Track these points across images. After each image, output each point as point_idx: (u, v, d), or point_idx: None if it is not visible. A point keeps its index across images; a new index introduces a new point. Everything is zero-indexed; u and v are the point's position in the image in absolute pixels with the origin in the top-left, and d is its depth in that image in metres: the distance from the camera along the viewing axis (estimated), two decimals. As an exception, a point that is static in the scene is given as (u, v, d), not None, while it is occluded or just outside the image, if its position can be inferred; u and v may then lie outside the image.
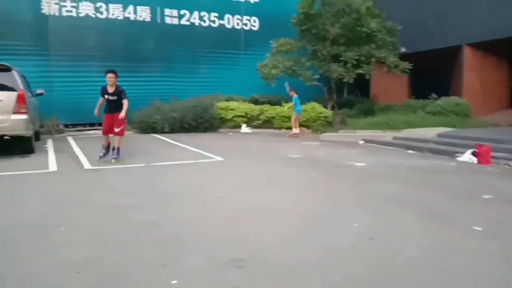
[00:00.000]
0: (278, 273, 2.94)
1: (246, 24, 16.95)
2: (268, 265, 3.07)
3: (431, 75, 15.97)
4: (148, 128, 13.05)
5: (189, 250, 3.35)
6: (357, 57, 13.81)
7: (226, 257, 3.16)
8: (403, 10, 15.39)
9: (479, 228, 3.98)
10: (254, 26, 17.07)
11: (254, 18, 16.99)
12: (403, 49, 14.63)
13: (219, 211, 4.52)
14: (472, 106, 13.09)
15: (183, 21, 15.82)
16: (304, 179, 6.41)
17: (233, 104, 14.03)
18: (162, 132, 12.91)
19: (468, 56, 13.94)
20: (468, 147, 8.48)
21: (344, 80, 14.22)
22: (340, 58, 14.12)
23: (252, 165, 7.69)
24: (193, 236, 3.69)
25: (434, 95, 13.94)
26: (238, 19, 16.77)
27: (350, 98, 17.17)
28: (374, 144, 10.85)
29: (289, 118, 13.53)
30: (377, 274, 2.95)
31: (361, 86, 17.70)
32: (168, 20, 15.56)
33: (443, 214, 4.50)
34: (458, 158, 8.24)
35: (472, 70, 13.96)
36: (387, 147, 10.40)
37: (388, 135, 11.27)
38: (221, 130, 13.73)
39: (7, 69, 8.41)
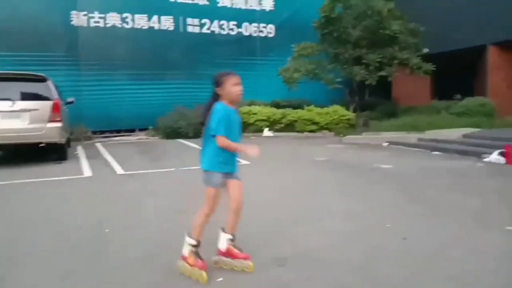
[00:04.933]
0: (322, 270, 3.07)
1: (262, 31, 17.38)
2: (317, 262, 3.20)
3: (455, 76, 15.80)
4: (172, 133, 13.35)
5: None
6: (379, 60, 13.82)
7: (275, 256, 3.32)
8: (426, 11, 15.29)
9: (515, 228, 4.01)
10: (270, 33, 17.51)
11: (270, 25, 17.48)
12: (426, 50, 14.54)
13: (260, 215, 4.65)
14: (498, 106, 12.90)
15: (204, 30, 16.24)
16: (335, 182, 6.51)
17: (255, 108, 14.21)
18: (186, 137, 13.19)
19: (492, 55, 13.77)
20: (495, 147, 8.40)
21: (367, 82, 14.23)
22: (363, 61, 14.14)
23: (281, 169, 7.81)
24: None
25: (458, 96, 13.81)
26: (255, 26, 17.21)
27: (373, 100, 17.12)
28: (399, 146, 10.83)
29: (311, 121, 13.64)
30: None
31: (383, 88, 17.65)
32: (190, 29, 15.99)
33: (482, 217, 4.52)
34: (485, 159, 8.17)
35: (498, 69, 13.77)
36: (412, 148, 10.37)
37: (412, 137, 11.22)
38: (244, 134, 13.88)
39: (42, 79, 8.80)
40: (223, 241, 3.06)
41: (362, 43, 14.36)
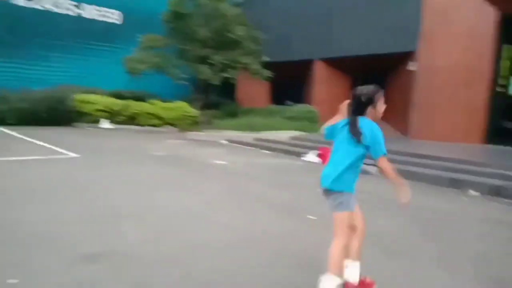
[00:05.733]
0: (138, 266, 3.04)
1: (107, 16, 16.38)
2: (129, 259, 3.14)
3: (289, 84, 17.60)
4: (-11, 118, 11.45)
5: (48, 249, 3.19)
6: (224, 61, 14.43)
7: (84, 253, 3.12)
8: (268, 22, 16.59)
9: (314, 217, 4.68)
10: (117, 20, 16.63)
11: (117, 12, 16.62)
12: (266, 58, 15.80)
13: (72, 212, 4.35)
14: (321, 114, 14.86)
15: (35, 5, 14.39)
16: (165, 177, 6.52)
17: (92, 97, 13.23)
18: (7, 124, 11.47)
19: (318, 69, 15.80)
20: (313, 148, 9.66)
21: (211, 82, 14.70)
22: (208, 60, 14.56)
23: (114, 163, 7.46)
24: (50, 236, 3.51)
25: (290, 102, 15.41)
26: (97, 9, 16.10)
27: (217, 100, 17.80)
28: (236, 144, 11.52)
29: (154, 115, 13.45)
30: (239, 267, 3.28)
31: (228, 89, 18.52)
32: (17, 1, 13.94)
33: (290, 207, 5.12)
34: (304, 158, 9.35)
35: (322, 81, 15.87)
36: (247, 147, 11.16)
37: (249, 136, 12.08)
38: (79, 124, 12.83)
39: None
40: (356, 271, 2.58)
41: (209, 43, 14.78)
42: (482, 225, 4.84)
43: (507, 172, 6.76)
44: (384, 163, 2.44)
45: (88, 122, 12.92)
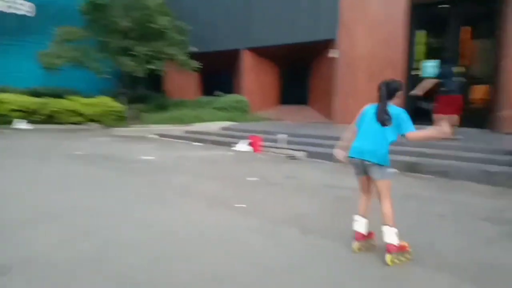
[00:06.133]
0: (53, 272, 2.87)
1: (18, 9, 15.11)
2: (44, 266, 2.95)
3: (218, 74, 17.54)
4: None
5: None
6: (148, 53, 13.97)
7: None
8: (194, 12, 16.33)
9: (242, 205, 4.74)
10: (29, 12, 15.38)
11: (28, 3, 15.35)
12: (193, 49, 15.54)
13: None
14: (251, 103, 15.02)
15: None
16: (88, 177, 6.22)
17: (5, 96, 12.17)
18: None
19: (246, 59, 15.89)
20: (244, 138, 9.76)
21: (136, 74, 14.18)
22: (132, 52, 14.00)
23: (24, 164, 6.94)
24: None
25: (219, 93, 15.36)
26: (7, 1, 14.79)
27: (144, 93, 17.25)
28: (167, 138, 11.28)
29: (76, 112, 12.70)
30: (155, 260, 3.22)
31: (156, 81, 18.01)
32: None
33: (218, 198, 5.14)
34: (235, 148, 9.41)
35: (250, 71, 16.00)
36: (178, 140, 10.97)
37: (179, 129, 11.88)
38: (-11, 126, 11.77)
39: None
40: (391, 235, 3.16)
41: (131, 34, 14.21)
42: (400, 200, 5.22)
43: (422, 149, 7.35)
44: (413, 135, 3.13)
45: (1, 123, 11.86)
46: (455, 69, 7.95)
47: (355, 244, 3.38)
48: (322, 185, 5.85)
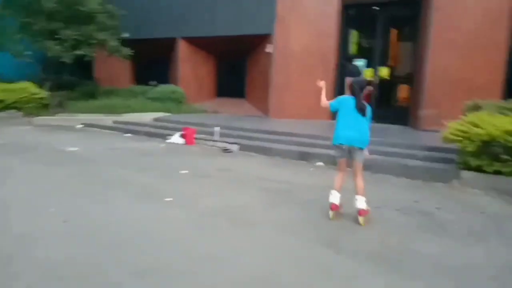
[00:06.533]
0: None
1: None
2: None
3: (153, 63, 16.95)
4: None
5: None
6: (76, 37, 13.09)
7: None
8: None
9: (171, 199, 4.65)
10: None
11: None
12: (125, 35, 14.81)
13: None
14: (187, 94, 14.72)
15: None
16: (5, 169, 5.73)
17: None
18: None
19: (182, 48, 15.52)
20: (178, 130, 9.56)
21: (62, 60, 13.25)
22: (58, 36, 13.04)
23: None
24: None
25: (153, 82, 14.87)
26: None
27: (72, 80, 16.19)
28: (94, 128, 10.71)
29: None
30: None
31: (86, 68, 16.99)
32: None
33: (147, 191, 4.99)
34: (168, 140, 9.19)
35: (186, 61, 15.64)
36: (107, 131, 10.47)
37: (109, 119, 11.32)
38: None
39: None
40: (363, 203, 4.03)
41: (58, 16, 13.22)
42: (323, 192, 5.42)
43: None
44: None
45: None
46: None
47: (331, 213, 4.13)
48: (253, 178, 5.91)
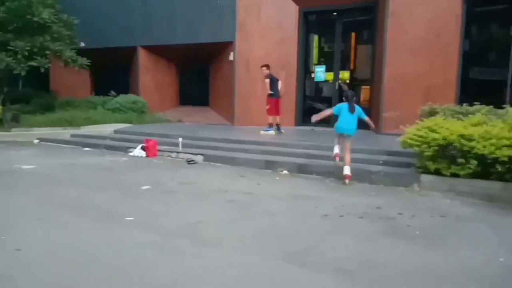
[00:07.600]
0: None
1: None
2: None
3: (112, 73, 16.50)
4: None
5: None
6: (29, 48, 12.52)
7: None
8: (82, 4, 15.08)
9: (131, 218, 4.48)
10: None
11: None
12: (82, 44, 14.31)
13: None
14: (149, 104, 14.40)
15: None
16: None
17: None
18: None
19: (142, 57, 15.19)
20: (140, 142, 9.29)
21: (16, 72, 12.63)
22: (9, 47, 12.43)
23: None
24: None
25: (113, 93, 14.44)
26: None
27: (27, 92, 15.49)
28: (51, 143, 10.27)
29: None
30: None
31: (42, 80, 16.30)
32: None
33: (106, 211, 4.78)
34: (130, 153, 8.92)
35: (147, 70, 15.31)
36: (64, 145, 10.06)
37: (66, 133, 10.90)
38: None
39: None
40: (348, 171, 6.28)
41: (8, 27, 12.60)
42: (290, 201, 5.41)
43: (310, 151, 7.76)
44: (367, 118, 6.54)
45: None
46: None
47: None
48: (217, 190, 5.81)
